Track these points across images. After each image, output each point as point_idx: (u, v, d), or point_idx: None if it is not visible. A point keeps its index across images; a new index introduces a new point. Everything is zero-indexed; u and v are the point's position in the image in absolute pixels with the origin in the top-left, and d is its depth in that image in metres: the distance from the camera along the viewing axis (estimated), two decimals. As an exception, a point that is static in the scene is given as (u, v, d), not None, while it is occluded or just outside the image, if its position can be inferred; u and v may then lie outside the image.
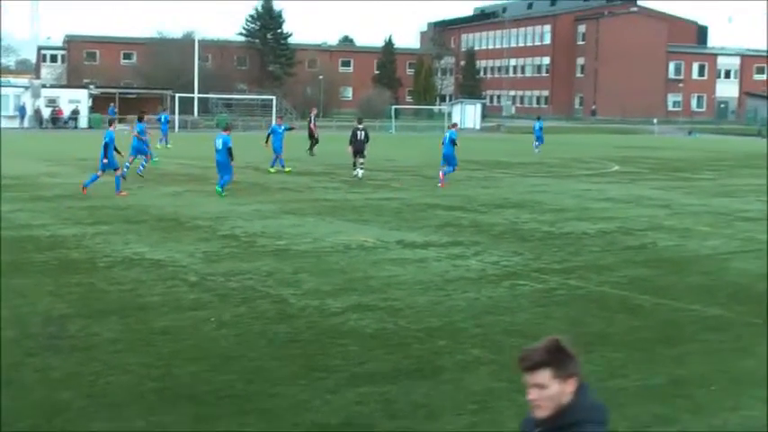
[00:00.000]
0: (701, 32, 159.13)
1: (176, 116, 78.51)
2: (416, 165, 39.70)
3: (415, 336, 12.45)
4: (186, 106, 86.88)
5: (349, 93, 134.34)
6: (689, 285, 16.25)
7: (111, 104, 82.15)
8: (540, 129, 55.58)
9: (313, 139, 46.97)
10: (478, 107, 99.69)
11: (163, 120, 56.13)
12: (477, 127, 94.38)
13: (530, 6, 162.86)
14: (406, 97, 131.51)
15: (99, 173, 28.14)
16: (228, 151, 28.46)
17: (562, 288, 15.79)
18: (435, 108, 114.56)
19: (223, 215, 24.04)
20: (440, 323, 13.15)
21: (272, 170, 37.72)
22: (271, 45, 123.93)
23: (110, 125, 29.71)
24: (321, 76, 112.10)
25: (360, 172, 35.06)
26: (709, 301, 14.96)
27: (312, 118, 48.70)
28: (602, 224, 23.71)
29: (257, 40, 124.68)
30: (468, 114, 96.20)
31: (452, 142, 33.58)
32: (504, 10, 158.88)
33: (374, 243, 20.00)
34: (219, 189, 28.59)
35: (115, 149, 28.00)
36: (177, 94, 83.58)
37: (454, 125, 38.27)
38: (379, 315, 13.52)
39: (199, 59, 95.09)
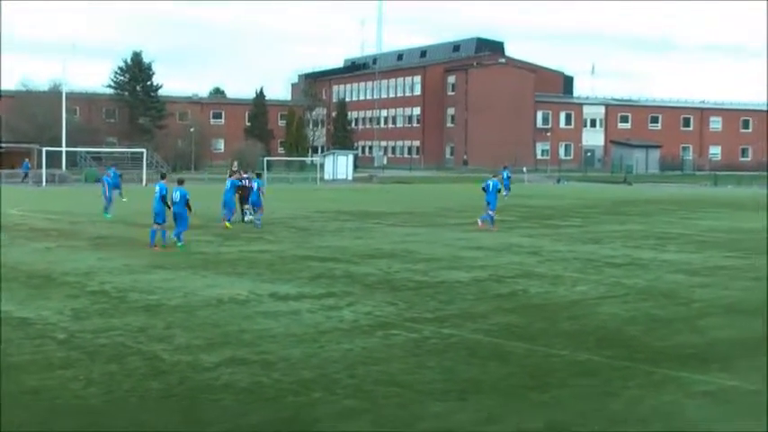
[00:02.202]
0: (567, 82, 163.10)
1: (44, 170, 76.96)
2: (289, 216, 39.65)
3: (290, 388, 12.37)
4: (54, 160, 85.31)
5: (221, 145, 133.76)
6: (559, 331, 16.52)
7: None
8: (508, 177, 59.24)
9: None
10: (350, 158, 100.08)
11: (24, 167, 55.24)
12: (350, 178, 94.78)
13: (400, 58, 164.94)
14: (279, 149, 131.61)
15: None
16: (186, 203, 29.32)
17: (435, 337, 15.89)
18: (307, 159, 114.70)
19: (93, 270, 23.61)
20: (314, 375, 13.10)
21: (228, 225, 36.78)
22: (140, 98, 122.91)
23: None
24: (192, 129, 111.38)
25: (248, 217, 37.32)
26: (579, 346, 15.24)
27: (233, 171, 46.78)
28: (475, 272, 23.98)
29: (126, 93, 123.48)
30: (340, 165, 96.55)
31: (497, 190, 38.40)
32: (375, 61, 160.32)
33: (247, 296, 19.86)
34: (180, 243, 29.31)
35: None
36: (45, 148, 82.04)
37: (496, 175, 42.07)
38: (253, 369, 13.41)
39: (66, 112, 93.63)
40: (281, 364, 13.69)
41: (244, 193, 38.28)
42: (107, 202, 42.53)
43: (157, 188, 29.58)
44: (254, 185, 37.97)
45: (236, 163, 48.23)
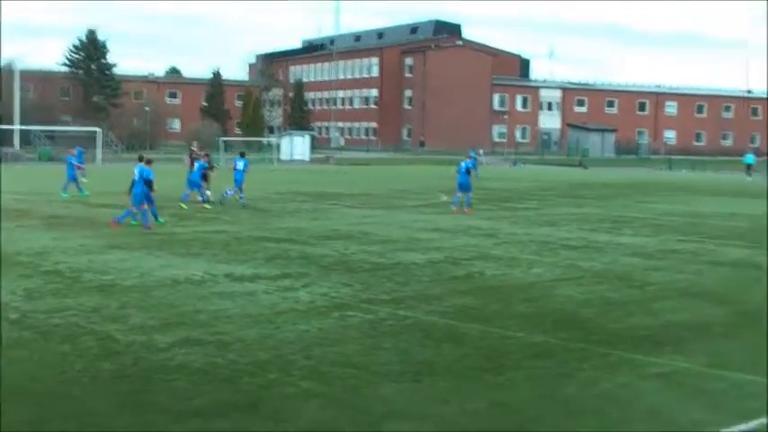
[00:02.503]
0: (524, 65, 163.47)
1: (-4, 149, 76.18)
2: (245, 197, 39.33)
3: (245, 369, 12.31)
4: (7, 138, 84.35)
5: (177, 124, 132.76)
6: (514, 313, 16.57)
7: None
8: (474, 159, 57.88)
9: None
10: (307, 139, 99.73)
11: None
12: (307, 158, 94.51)
13: (357, 39, 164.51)
14: (235, 129, 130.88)
15: None
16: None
17: (391, 318, 15.89)
18: (264, 140, 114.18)
19: (47, 250, 23.37)
20: (269, 356, 13.05)
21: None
22: (95, 76, 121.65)
23: None
24: (148, 108, 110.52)
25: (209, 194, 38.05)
26: (534, 328, 15.28)
27: (193, 150, 46.51)
28: (431, 254, 24.00)
29: (81, 71, 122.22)
30: (297, 146, 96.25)
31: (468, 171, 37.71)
32: (332, 42, 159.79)
33: (203, 276, 19.76)
34: (161, 220, 30.22)
35: None
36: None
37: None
38: (208, 349, 13.34)
39: (20, 90, 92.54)
40: (236, 345, 13.63)
41: (204, 173, 38.66)
42: (69, 180, 42.01)
43: (137, 171, 29.57)
44: (241, 165, 38.41)
45: (195, 143, 48.08)
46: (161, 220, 30.33)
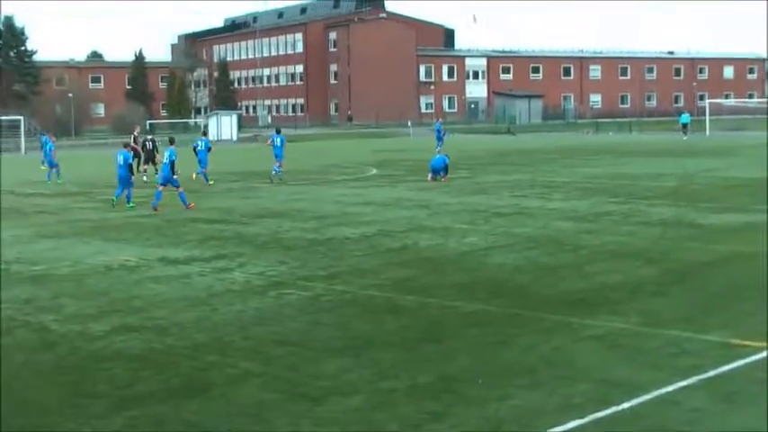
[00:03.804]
0: (449, 35, 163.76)
1: None
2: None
3: (183, 353, 12.24)
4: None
5: (101, 109, 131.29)
6: (451, 283, 16.65)
7: None
8: (438, 130, 61.39)
9: (139, 157, 44.64)
10: (234, 118, 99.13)
11: None
12: (234, 138, 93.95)
13: (280, 15, 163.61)
14: (161, 111, 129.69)
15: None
16: (130, 166, 31.36)
17: (328, 294, 15.89)
18: (191, 121, 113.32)
19: (-26, 243, 22.98)
20: (207, 338, 12.98)
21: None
22: (14, 63, 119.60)
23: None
24: (70, 94, 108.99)
25: (146, 178, 39.90)
26: (471, 296, 15.37)
27: (135, 136, 46.22)
28: (364, 228, 24.01)
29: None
30: (224, 126, 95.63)
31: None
32: (255, 20, 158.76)
33: (136, 262, 19.58)
34: (131, 204, 30.67)
35: None
36: None
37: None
38: (145, 335, 13.23)
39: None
40: (173, 330, 13.54)
41: (146, 156, 40.85)
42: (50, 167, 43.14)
43: (167, 153, 30.39)
44: (278, 141, 40.23)
45: (138, 128, 47.87)
46: (131, 204, 30.67)
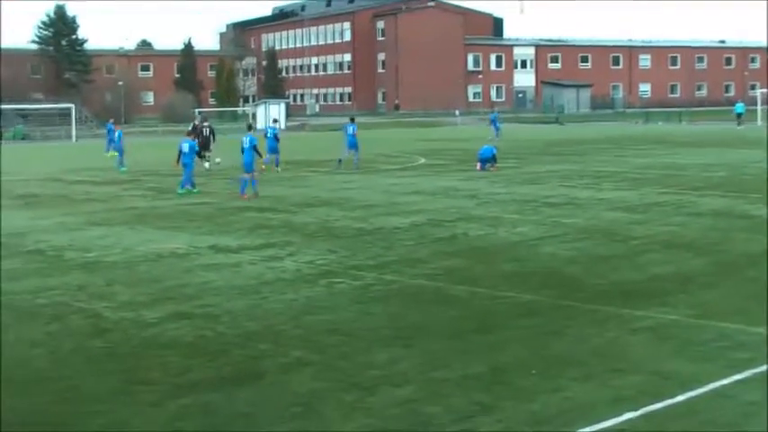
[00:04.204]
0: (497, 24, 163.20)
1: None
2: (224, 167, 39.28)
3: (235, 341, 12.30)
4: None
5: (150, 97, 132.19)
6: (501, 273, 16.61)
7: None
8: (495, 119, 64.88)
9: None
10: (282, 107, 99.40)
11: None
12: (283, 126, 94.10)
13: (328, 4, 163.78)
14: (209, 100, 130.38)
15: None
16: (196, 152, 32.84)
17: (378, 284, 15.90)
18: (239, 109, 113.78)
19: (26, 230, 23.19)
20: (259, 327, 13.03)
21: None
22: (66, 52, 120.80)
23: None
24: (120, 82, 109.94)
25: (207, 164, 39.85)
26: (522, 287, 15.31)
27: (195, 124, 46.56)
28: (413, 217, 23.99)
29: (51, 48, 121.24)
30: (272, 114, 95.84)
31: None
32: (303, 8, 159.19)
33: (186, 250, 19.69)
34: (182, 190, 31.22)
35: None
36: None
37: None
38: (197, 323, 13.31)
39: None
40: (224, 317, 13.61)
41: (201, 142, 39.60)
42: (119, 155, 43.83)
43: (247, 139, 30.71)
44: (351, 130, 40.99)
45: (198, 116, 48.39)
46: (197, 190, 31.57)
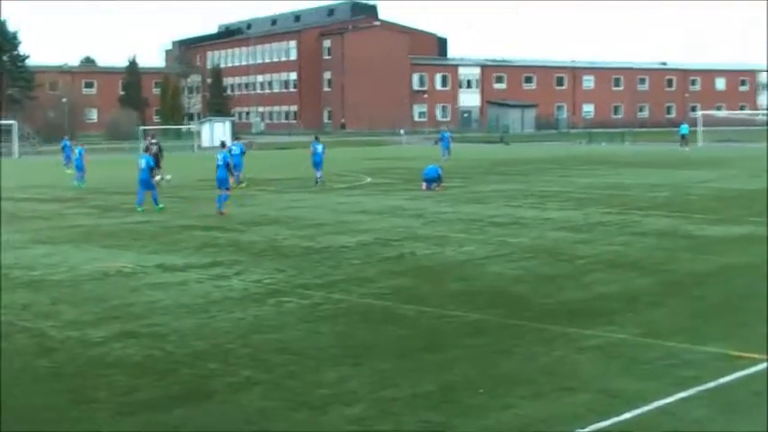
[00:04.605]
0: (442, 44, 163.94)
1: None
2: (169, 186, 39.03)
3: (183, 360, 12.24)
4: None
5: (94, 115, 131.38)
6: (449, 292, 16.67)
7: None
8: (445, 138, 64.13)
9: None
10: (228, 125, 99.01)
11: None
12: (229, 144, 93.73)
13: (274, 23, 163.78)
14: (154, 117, 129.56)
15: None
16: (151, 169, 32.55)
17: (326, 302, 15.89)
18: (184, 127, 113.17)
19: (-30, 248, 22.92)
20: (207, 346, 12.98)
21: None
22: (7, 68, 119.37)
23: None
24: (64, 99, 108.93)
25: (158, 178, 38.52)
26: (470, 306, 15.39)
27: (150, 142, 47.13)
28: (360, 236, 24.03)
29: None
30: (217, 132, 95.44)
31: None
32: (249, 26, 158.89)
33: (133, 268, 19.57)
34: (142, 207, 31.36)
35: None
36: None
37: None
38: (144, 342, 13.23)
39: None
40: (172, 336, 13.54)
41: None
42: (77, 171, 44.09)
43: (221, 156, 31.30)
44: (237, 149, 41.41)
45: (150, 135, 48.95)
46: (161, 206, 31.60)
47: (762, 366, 11.45)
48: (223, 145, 33.17)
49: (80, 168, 43.85)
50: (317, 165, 42.05)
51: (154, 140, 44.86)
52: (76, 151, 44.77)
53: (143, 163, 32.29)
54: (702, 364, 11.68)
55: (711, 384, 10.79)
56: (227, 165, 30.87)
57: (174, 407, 10.32)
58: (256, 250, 22.00)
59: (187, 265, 19.99)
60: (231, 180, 31.84)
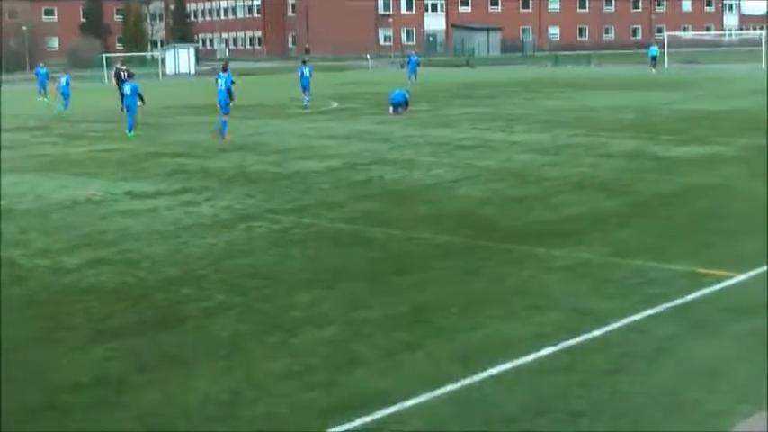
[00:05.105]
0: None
1: None
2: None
3: (157, 286, 12.31)
4: None
5: (55, 43, 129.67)
6: (418, 215, 16.78)
7: None
8: (414, 62, 66.45)
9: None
10: (192, 51, 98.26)
11: None
12: (192, 71, 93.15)
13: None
14: (117, 45, 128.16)
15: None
16: (138, 95, 32.30)
17: (297, 227, 15.97)
18: (148, 55, 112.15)
19: (-65, 178, 22.76)
20: (180, 272, 13.05)
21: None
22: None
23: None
24: (24, 27, 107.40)
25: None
26: (438, 228, 15.50)
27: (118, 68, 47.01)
28: (329, 161, 24.05)
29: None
30: (181, 59, 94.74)
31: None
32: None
33: (102, 196, 19.53)
34: (131, 133, 31.69)
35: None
36: None
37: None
38: (117, 268, 13.28)
39: None
40: (145, 263, 13.59)
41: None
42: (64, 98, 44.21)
43: (222, 80, 30.94)
44: (307, 72, 43.03)
45: (119, 62, 48.69)
46: (132, 133, 31.57)
47: (726, 283, 11.66)
48: (225, 68, 32.47)
49: (66, 96, 43.88)
50: (305, 89, 42.99)
51: (124, 67, 44.48)
52: (63, 79, 44.67)
53: (128, 89, 32.81)
54: (670, 281, 11.87)
55: (679, 301, 10.98)
56: (228, 89, 30.67)
57: (150, 331, 10.40)
58: (225, 177, 21.99)
59: (157, 191, 19.98)
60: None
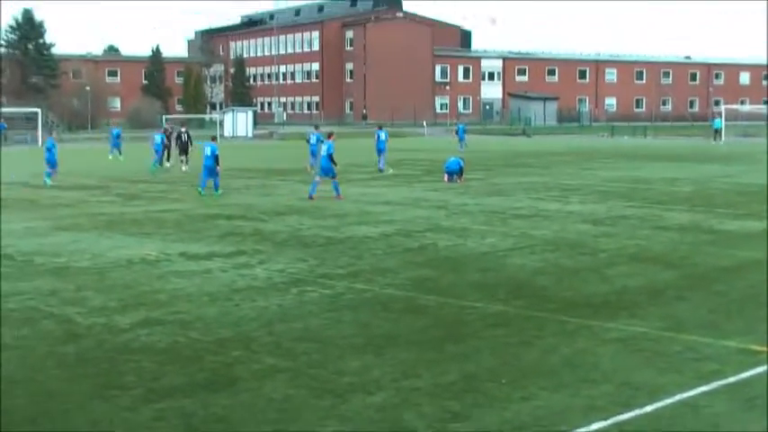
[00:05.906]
0: (465, 36, 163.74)
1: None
2: (192, 174, 39.20)
3: (208, 348, 12.36)
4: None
5: (117, 103, 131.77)
6: (470, 283, 16.73)
7: None
8: (462, 131, 66.63)
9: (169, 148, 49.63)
10: (250, 114, 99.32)
11: None
12: (250, 135, 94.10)
13: (297, 13, 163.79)
14: (176, 106, 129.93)
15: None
16: (216, 157, 33.38)
17: (349, 292, 15.99)
18: (206, 117, 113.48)
19: (-5, 234, 23.09)
20: (231, 333, 13.10)
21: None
22: (32, 56, 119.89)
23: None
24: (87, 87, 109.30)
25: (185, 168, 43.89)
26: (491, 297, 15.45)
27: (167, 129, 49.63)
28: (383, 227, 24.11)
29: (17, 51, 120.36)
30: (239, 122, 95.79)
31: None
32: (272, 17, 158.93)
33: (157, 256, 19.71)
34: (204, 191, 32.91)
35: None
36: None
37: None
38: (170, 329, 13.36)
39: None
40: (197, 324, 13.66)
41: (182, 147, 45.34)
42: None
43: (325, 147, 31.90)
44: (383, 136, 44.90)
45: (180, 124, 50.88)
46: (219, 192, 33.25)
47: (783, 361, 11.49)
48: (330, 136, 33.61)
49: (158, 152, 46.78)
50: (381, 152, 44.38)
51: (183, 129, 45.67)
52: (157, 137, 47.28)
53: (208, 150, 33.44)
54: (724, 358, 11.72)
55: (733, 379, 10.84)
56: (329, 155, 31.34)
57: (201, 393, 10.42)
58: (279, 240, 22.11)
59: (211, 253, 20.12)
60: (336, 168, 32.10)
